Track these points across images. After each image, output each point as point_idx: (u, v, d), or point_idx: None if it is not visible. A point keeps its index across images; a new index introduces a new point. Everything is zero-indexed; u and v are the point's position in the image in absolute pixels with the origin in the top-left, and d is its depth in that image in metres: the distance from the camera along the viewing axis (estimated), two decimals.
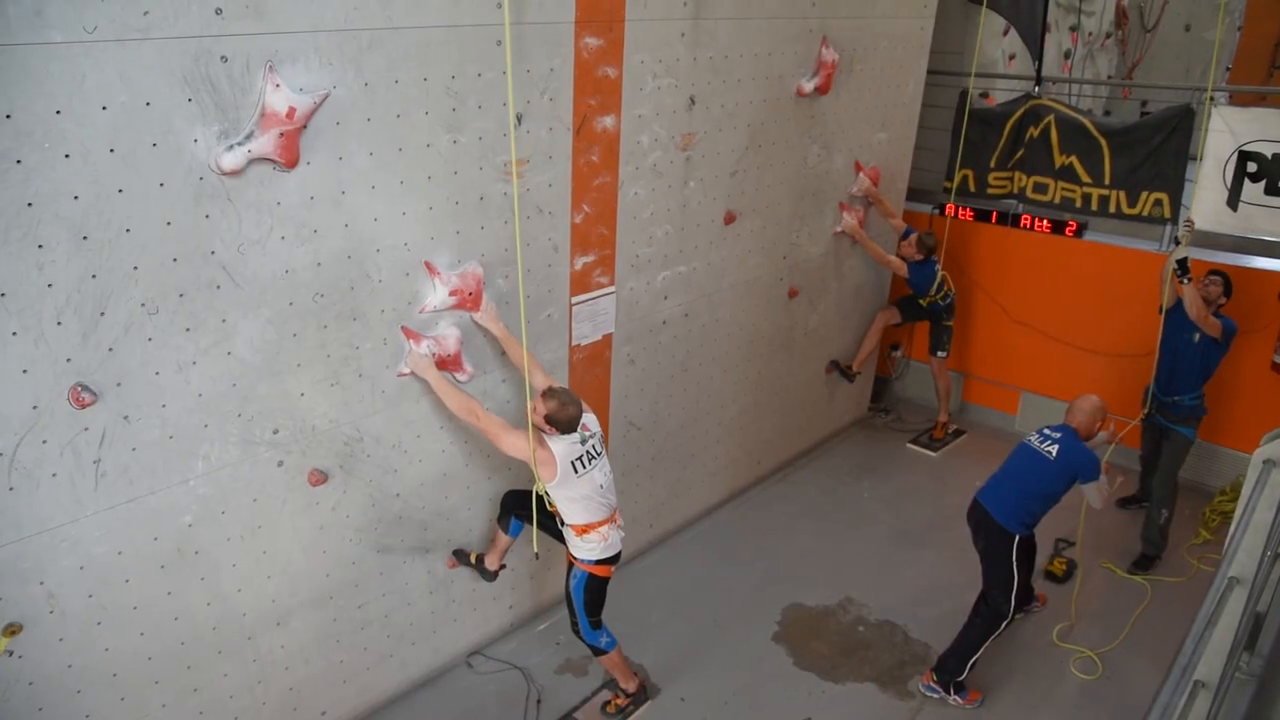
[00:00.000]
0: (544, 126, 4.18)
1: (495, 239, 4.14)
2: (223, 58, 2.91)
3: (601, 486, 4.08)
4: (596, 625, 4.33)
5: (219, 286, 3.20)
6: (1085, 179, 6.84)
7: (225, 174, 3.04)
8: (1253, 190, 6.02)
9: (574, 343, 4.81)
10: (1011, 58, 8.21)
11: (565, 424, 3.90)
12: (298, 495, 3.76)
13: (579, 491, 4.00)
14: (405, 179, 3.68)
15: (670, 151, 4.91)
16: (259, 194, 3.19)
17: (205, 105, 2.93)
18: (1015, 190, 7.28)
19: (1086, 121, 6.78)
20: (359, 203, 3.54)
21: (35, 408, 2.85)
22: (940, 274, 6.99)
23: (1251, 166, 5.99)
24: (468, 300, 4.06)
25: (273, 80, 3.05)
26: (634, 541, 5.77)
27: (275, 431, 3.58)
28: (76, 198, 2.74)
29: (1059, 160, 6.93)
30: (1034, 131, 6.98)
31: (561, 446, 3.92)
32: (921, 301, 7.17)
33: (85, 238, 2.79)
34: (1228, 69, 11.72)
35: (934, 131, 7.43)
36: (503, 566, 4.61)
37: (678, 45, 4.69)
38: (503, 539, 4.49)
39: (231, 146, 3.02)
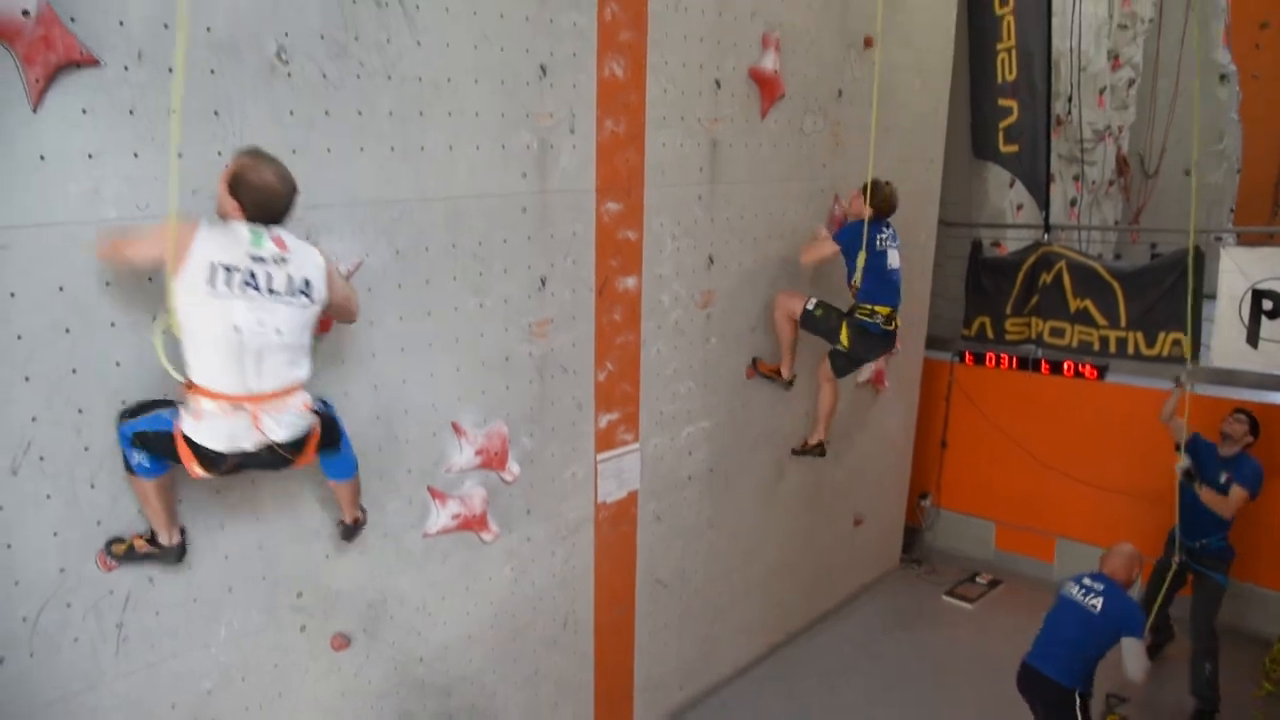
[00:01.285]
0: (567, 288, 4.33)
1: (521, 398, 4.21)
2: None
3: (240, 331, 2.62)
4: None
5: None
6: (1101, 322, 6.91)
7: None
8: (1271, 327, 6.05)
9: (600, 500, 4.80)
10: (1019, 207, 8.48)
11: (252, 196, 2.67)
12: (320, 660, 3.68)
13: (206, 322, 2.61)
14: (433, 341, 3.79)
15: (691, 309, 5.05)
16: None
17: None
18: (1033, 335, 7.35)
19: (1097, 266, 6.92)
20: (388, 365, 3.65)
21: (62, 570, 2.86)
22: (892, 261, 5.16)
23: (1267, 304, 6.04)
24: (493, 459, 4.09)
25: None
26: (666, 704, 5.54)
27: (299, 595, 3.55)
28: (118, 364, 2.86)
29: (1074, 304, 7.03)
30: (1046, 278, 7.11)
31: (215, 240, 2.62)
32: (861, 314, 5.10)
33: (123, 402, 2.89)
34: (1231, 210, 12.03)
35: (949, 280, 7.60)
36: None
37: (695, 208, 4.90)
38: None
39: None
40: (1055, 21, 7.58)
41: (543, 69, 3.96)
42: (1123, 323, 6.82)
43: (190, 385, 2.69)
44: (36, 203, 2.61)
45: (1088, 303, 6.97)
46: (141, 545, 2.97)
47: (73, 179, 2.67)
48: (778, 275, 5.56)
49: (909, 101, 6.45)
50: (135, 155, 2.77)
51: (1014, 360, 7.42)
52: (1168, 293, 6.56)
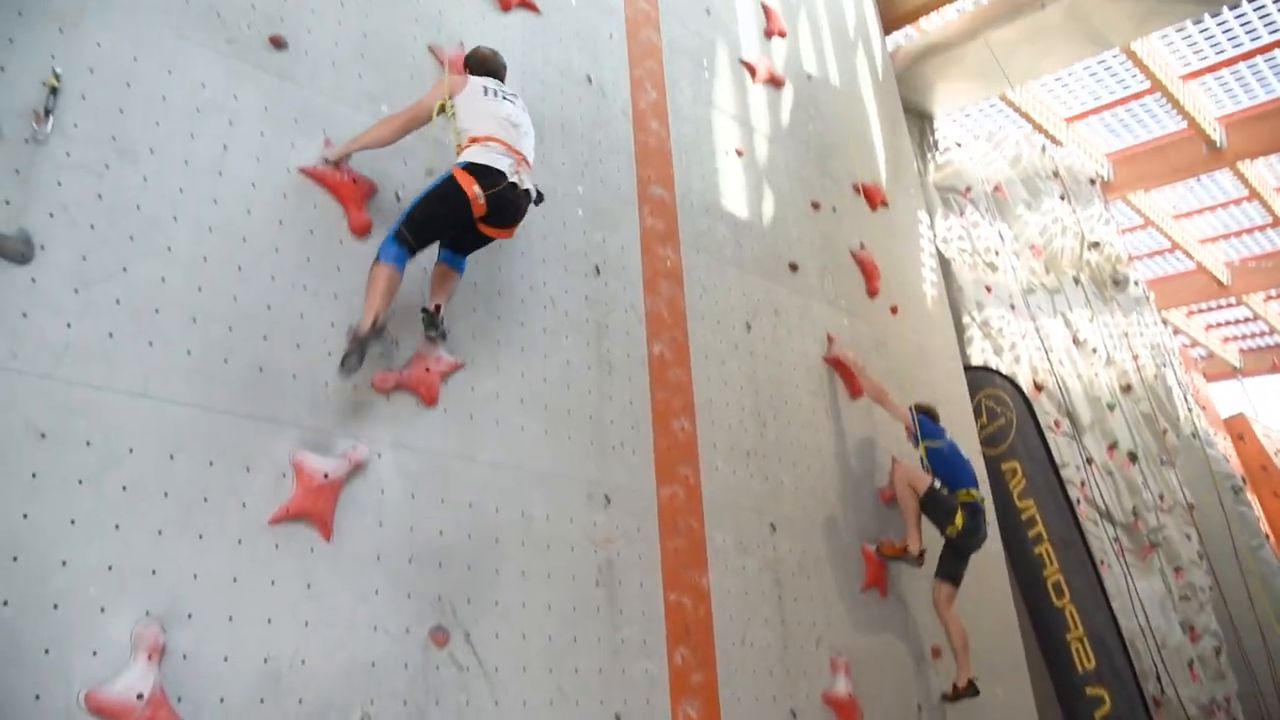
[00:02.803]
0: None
1: None
2: None
3: (510, 119, 3.91)
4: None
5: None
6: None
7: None
8: None
9: None
10: None
11: (478, 65, 4.17)
12: None
13: (485, 109, 3.88)
14: None
15: None
16: None
17: None
18: None
19: None
20: None
21: None
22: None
23: None
24: None
25: None
26: None
27: None
28: None
29: None
30: None
31: (479, 79, 4.03)
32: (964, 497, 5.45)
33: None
34: None
35: None
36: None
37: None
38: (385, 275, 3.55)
39: None
40: (1115, 603, 7.67)
41: (617, 717, 3.99)
42: None
43: (477, 139, 3.76)
44: None
45: None
46: None
47: None
48: None
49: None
50: None
51: None
52: None
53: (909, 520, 5.55)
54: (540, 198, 3.96)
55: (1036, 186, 10.80)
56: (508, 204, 3.73)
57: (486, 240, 3.93)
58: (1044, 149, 11.09)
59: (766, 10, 7.03)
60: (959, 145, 10.21)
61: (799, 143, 6.74)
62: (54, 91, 3.23)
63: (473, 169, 3.66)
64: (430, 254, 3.92)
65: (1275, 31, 9.87)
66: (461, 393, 4.05)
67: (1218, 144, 11.30)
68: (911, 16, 9.05)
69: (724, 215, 5.75)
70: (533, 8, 5.17)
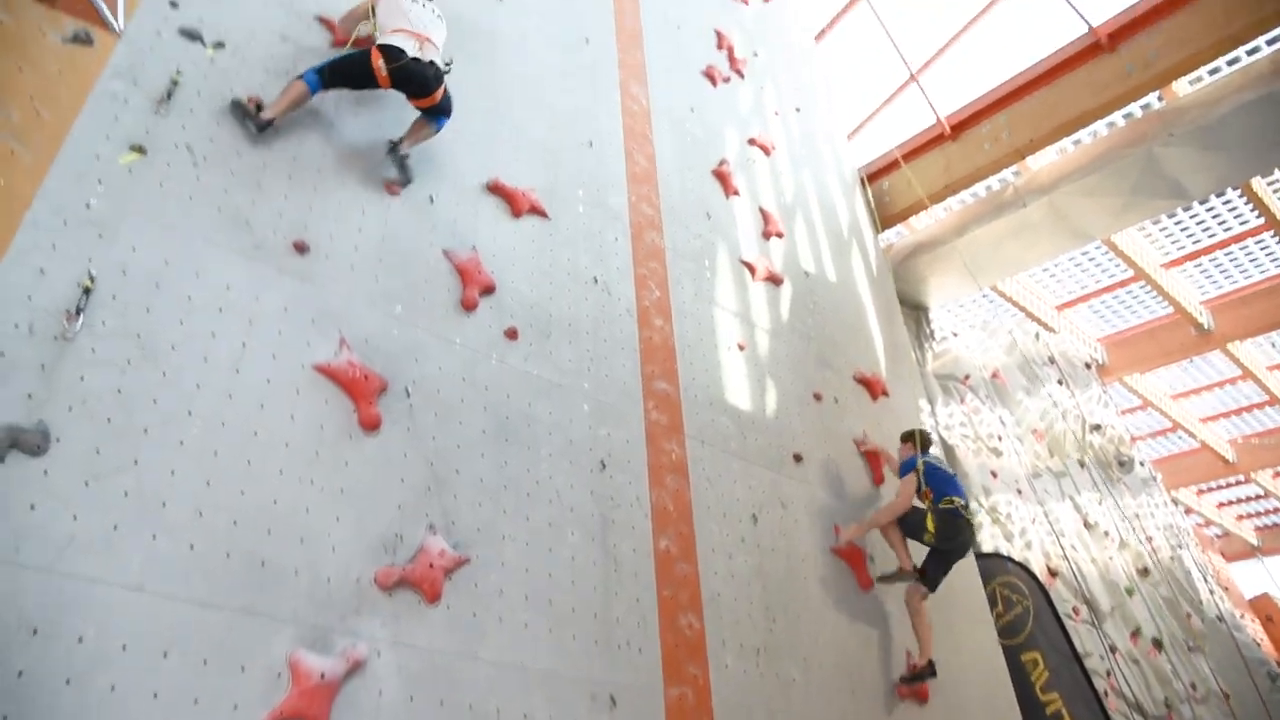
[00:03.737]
0: None
1: None
2: None
3: (423, 20, 4.76)
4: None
5: None
6: None
7: None
8: None
9: None
10: None
11: None
12: None
13: (400, 9, 4.72)
14: None
15: None
16: None
17: None
18: None
19: None
20: None
21: None
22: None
23: None
24: None
25: None
26: None
27: None
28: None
29: None
30: None
31: None
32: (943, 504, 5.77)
33: None
34: None
35: None
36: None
37: None
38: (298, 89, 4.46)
39: None
40: None
41: None
42: None
43: (395, 30, 4.60)
44: None
45: None
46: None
47: None
48: None
49: None
50: None
51: None
52: None
53: (896, 547, 5.99)
54: (447, 68, 4.75)
55: (1034, 372, 11.01)
56: (414, 75, 4.58)
57: (428, 110, 4.81)
58: (1038, 335, 11.38)
59: (764, 214, 7.43)
60: (955, 335, 10.50)
61: (799, 336, 6.95)
62: (87, 292, 3.40)
63: (382, 48, 4.52)
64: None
65: (1245, 223, 10.39)
66: (465, 589, 3.98)
67: (1205, 327, 11.61)
68: (901, 216, 9.58)
69: (728, 409, 5.85)
70: (542, 214, 5.49)
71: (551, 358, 4.95)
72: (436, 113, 4.82)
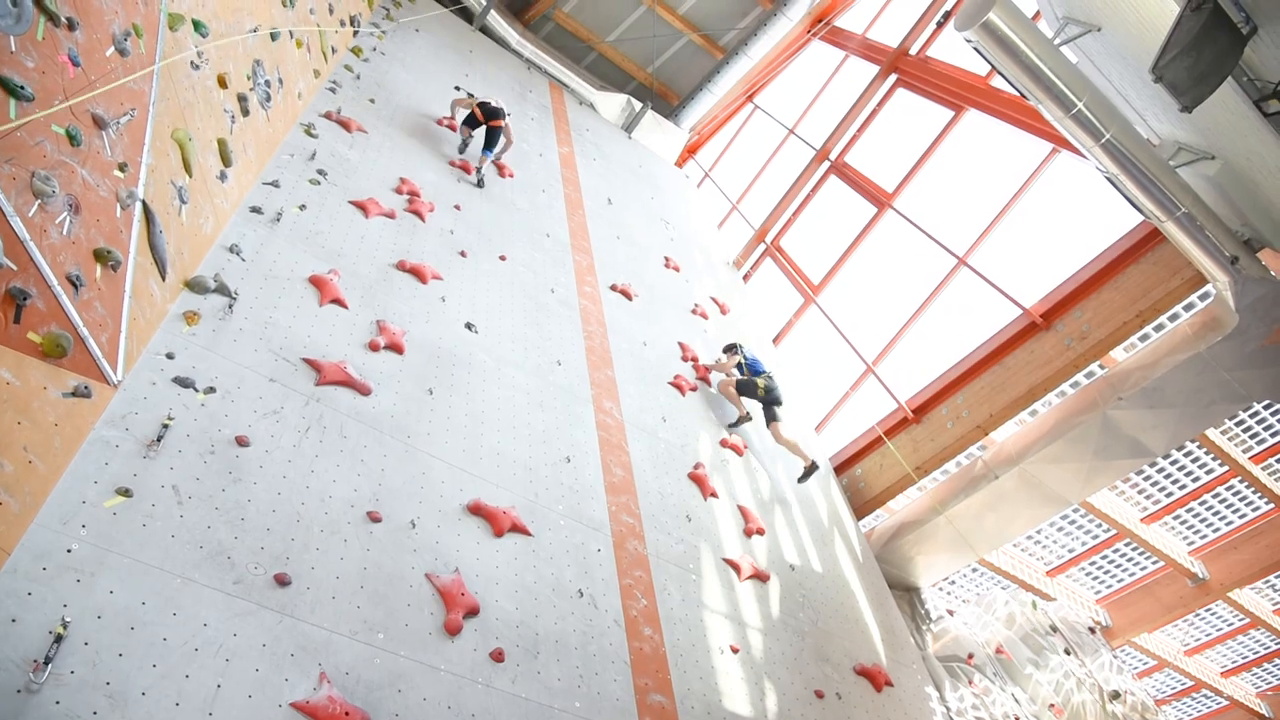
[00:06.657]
0: None
1: None
2: None
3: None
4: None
5: None
6: None
7: None
8: None
9: None
10: None
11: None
12: None
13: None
14: None
15: None
16: None
17: None
18: None
19: None
20: None
21: None
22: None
23: None
24: None
25: None
26: None
27: None
28: None
29: None
30: None
31: None
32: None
33: None
34: None
35: None
36: None
37: None
38: None
39: None
40: None
41: None
42: None
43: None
44: None
45: None
46: None
47: None
48: None
49: None
50: None
51: None
52: None
53: (735, 403, 9.11)
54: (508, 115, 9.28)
55: (1038, 643, 10.62)
56: (487, 109, 8.79)
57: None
58: (1034, 604, 11.11)
59: (743, 512, 7.52)
60: (950, 613, 10.23)
61: (793, 632, 6.76)
62: (59, 639, 3.30)
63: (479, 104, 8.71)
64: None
65: (1211, 472, 10.62)
66: None
67: (1200, 577, 11.44)
68: (878, 501, 9.71)
69: (727, 716, 5.54)
70: (524, 531, 5.52)
71: (540, 677, 4.76)
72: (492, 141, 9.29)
